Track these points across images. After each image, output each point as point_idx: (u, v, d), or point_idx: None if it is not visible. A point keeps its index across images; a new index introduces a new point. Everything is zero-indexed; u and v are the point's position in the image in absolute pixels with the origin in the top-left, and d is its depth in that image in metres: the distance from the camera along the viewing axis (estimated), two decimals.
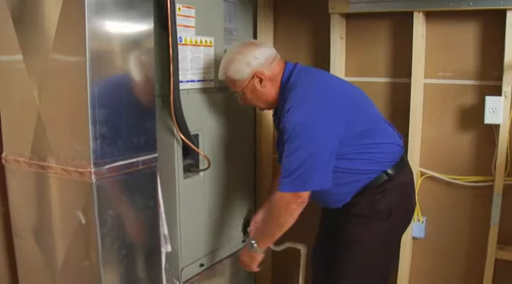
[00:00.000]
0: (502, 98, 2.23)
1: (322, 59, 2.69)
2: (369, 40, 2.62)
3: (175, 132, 2.11)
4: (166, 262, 2.13)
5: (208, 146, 2.33)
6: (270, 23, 2.82)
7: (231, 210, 2.56)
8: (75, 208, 1.83)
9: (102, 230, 1.80)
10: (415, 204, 2.19)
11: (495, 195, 2.32)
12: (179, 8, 2.07)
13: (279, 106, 2.07)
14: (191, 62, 2.17)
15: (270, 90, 2.09)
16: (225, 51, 2.32)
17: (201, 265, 2.36)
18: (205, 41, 2.24)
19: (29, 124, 1.89)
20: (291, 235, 2.57)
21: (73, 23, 1.70)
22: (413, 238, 2.58)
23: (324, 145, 1.90)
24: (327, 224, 2.33)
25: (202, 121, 2.27)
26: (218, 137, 2.38)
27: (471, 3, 2.22)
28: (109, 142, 1.79)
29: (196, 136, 2.24)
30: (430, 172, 2.50)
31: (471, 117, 2.41)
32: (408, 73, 2.44)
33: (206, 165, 2.27)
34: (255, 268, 2.20)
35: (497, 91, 2.28)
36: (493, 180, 2.34)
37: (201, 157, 2.28)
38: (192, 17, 2.16)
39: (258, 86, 2.07)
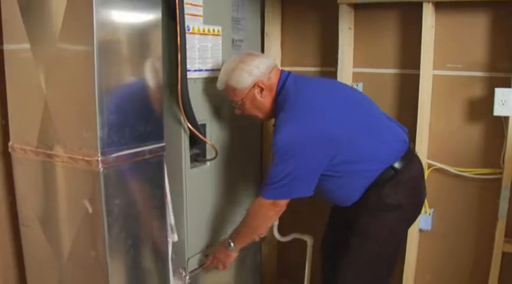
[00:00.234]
0: (511, 90, 2.21)
1: (330, 50, 2.68)
2: (377, 31, 2.61)
3: (182, 121, 2.10)
4: (172, 252, 2.12)
5: (215, 136, 2.32)
6: (277, 13, 2.81)
7: (237, 200, 2.55)
8: (82, 197, 1.82)
9: (109, 220, 1.80)
10: (425, 195, 2.17)
11: (503, 188, 2.30)
12: None
13: (275, 118, 2.08)
14: (199, 51, 2.16)
15: (268, 100, 2.10)
16: (233, 41, 2.31)
17: (207, 256, 2.35)
18: (213, 30, 2.23)
19: (36, 113, 1.88)
20: (298, 226, 2.58)
21: (80, 12, 1.69)
22: (420, 230, 2.57)
23: (308, 162, 1.93)
24: (337, 215, 2.34)
25: (210, 111, 2.26)
26: (225, 127, 2.37)
27: None
28: (116, 131, 1.78)
29: (204, 126, 2.23)
30: (438, 164, 2.49)
31: (480, 109, 2.39)
32: (417, 65, 2.42)
33: (213, 155, 2.26)
34: (227, 266, 2.29)
35: (506, 83, 2.25)
36: (502, 173, 2.32)
37: (207, 147, 2.28)
38: (200, 6, 2.14)
39: (258, 96, 2.08)
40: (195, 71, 2.15)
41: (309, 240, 2.61)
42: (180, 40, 1.98)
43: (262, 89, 2.07)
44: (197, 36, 2.14)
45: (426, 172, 2.47)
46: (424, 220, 2.52)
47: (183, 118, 2.09)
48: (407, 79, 2.54)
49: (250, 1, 2.56)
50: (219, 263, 2.28)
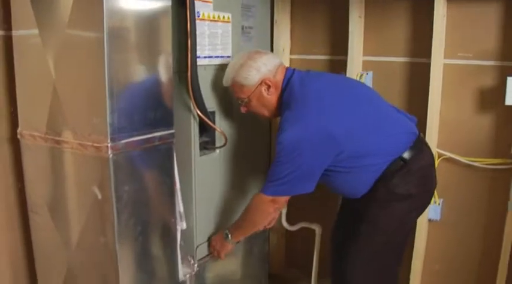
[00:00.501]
0: None
1: (339, 38, 2.66)
2: (388, 19, 2.58)
3: (192, 108, 2.10)
4: (181, 240, 2.12)
5: (224, 124, 2.32)
6: (287, 0, 2.79)
7: (246, 188, 2.54)
8: (91, 184, 1.81)
9: (118, 206, 1.79)
10: (435, 185, 2.16)
11: None
12: None
13: (280, 116, 2.07)
14: (209, 38, 2.15)
15: (274, 97, 2.10)
16: (242, 28, 2.29)
17: (208, 241, 2.36)
18: (223, 17, 2.21)
19: (45, 99, 1.87)
20: (306, 215, 2.57)
21: None
22: (429, 220, 2.55)
23: (312, 161, 1.95)
24: (347, 205, 2.34)
25: (219, 98, 2.25)
26: (234, 116, 2.36)
27: None
28: (126, 117, 1.77)
29: (213, 113, 2.22)
30: (448, 154, 2.47)
31: (491, 98, 2.36)
32: (427, 53, 2.40)
33: (222, 143, 2.25)
34: (223, 256, 2.33)
35: None
36: None
37: (217, 135, 2.27)
38: None
39: (265, 93, 2.08)
40: (205, 57, 2.14)
41: (317, 229, 2.60)
42: (190, 26, 1.96)
43: (269, 86, 2.07)
44: (207, 22, 2.13)
45: (436, 162, 2.45)
46: (433, 210, 2.51)
47: (192, 105, 2.08)
48: (417, 68, 2.52)
49: None
50: (214, 251, 2.32)
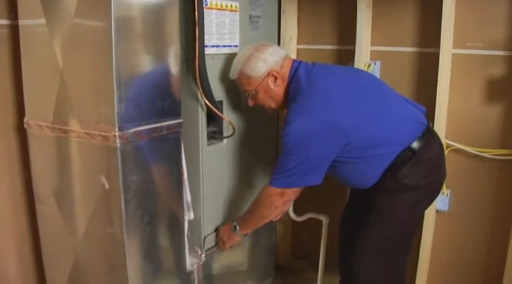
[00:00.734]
0: None
1: (347, 28, 2.64)
2: (396, 9, 2.56)
3: (199, 97, 2.09)
4: (188, 230, 2.11)
5: (231, 114, 2.30)
6: None
7: (253, 178, 2.54)
8: (99, 173, 1.81)
9: (126, 196, 1.79)
10: (445, 175, 2.14)
11: None
12: None
13: (287, 108, 2.06)
14: (216, 27, 2.13)
15: (281, 89, 2.09)
16: (250, 17, 2.28)
17: (216, 230, 2.36)
18: (231, 6, 2.20)
19: (52, 89, 1.86)
20: (313, 206, 2.56)
21: None
22: (437, 211, 2.54)
23: (319, 152, 1.94)
24: (356, 196, 2.33)
25: (227, 88, 2.23)
26: (242, 105, 2.34)
27: None
28: (134, 106, 1.76)
29: (220, 103, 2.21)
30: (456, 145, 2.45)
31: (500, 88, 2.34)
32: (436, 43, 2.38)
33: (230, 132, 2.24)
34: (227, 247, 2.33)
35: None
36: None
37: (224, 125, 2.26)
38: None
39: (272, 85, 2.08)
40: (213, 46, 2.13)
41: (324, 220, 2.59)
42: (198, 14, 1.95)
43: (276, 78, 2.07)
44: (215, 11, 2.12)
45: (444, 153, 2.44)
46: (441, 201, 2.49)
47: (200, 95, 2.06)
48: (426, 57, 2.50)
49: None
50: (220, 241, 2.32)
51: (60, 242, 2.06)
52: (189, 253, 2.14)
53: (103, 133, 1.74)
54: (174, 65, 1.91)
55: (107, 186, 1.80)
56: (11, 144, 2.17)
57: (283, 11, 2.73)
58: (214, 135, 2.25)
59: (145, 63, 1.82)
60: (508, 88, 2.26)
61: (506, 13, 2.30)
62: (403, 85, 2.55)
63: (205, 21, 2.01)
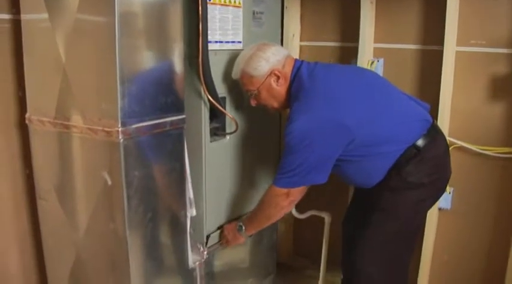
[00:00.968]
0: None
1: (351, 25, 2.63)
2: (399, 5, 2.56)
3: (202, 94, 2.07)
4: (190, 227, 2.10)
5: (234, 110, 2.29)
6: None
7: (256, 175, 2.53)
8: (101, 169, 1.80)
9: (128, 192, 1.77)
10: (450, 173, 2.13)
11: None
12: None
13: (290, 108, 2.06)
14: (219, 22, 2.12)
15: (283, 89, 2.09)
16: (253, 13, 2.27)
17: (221, 229, 2.35)
18: (234, 1, 2.19)
19: (54, 84, 1.85)
20: (315, 203, 2.55)
21: None
22: (440, 209, 2.53)
23: (322, 151, 1.93)
24: (360, 194, 2.32)
25: (230, 84, 2.22)
26: (245, 102, 2.33)
27: None
28: (137, 102, 1.75)
29: (223, 99, 2.20)
30: (460, 142, 2.44)
31: (504, 86, 2.34)
32: (439, 41, 2.38)
33: (233, 129, 2.23)
34: (230, 246, 2.34)
35: None
36: None
37: (227, 121, 2.25)
38: None
39: (274, 84, 2.07)
40: (216, 42, 2.12)
41: (326, 217, 2.58)
42: (202, 10, 1.94)
43: (278, 77, 2.06)
44: (218, 6, 2.10)
45: None
46: (444, 199, 2.48)
47: (203, 90, 2.06)
48: (429, 55, 2.50)
49: None
50: (224, 239, 2.32)
51: (61, 238, 2.05)
52: (191, 250, 2.12)
53: (106, 129, 1.73)
54: (177, 60, 1.90)
55: (109, 182, 1.78)
56: (12, 140, 2.16)
57: (286, 8, 2.72)
58: (217, 131, 2.23)
59: (148, 59, 1.81)
60: (511, 86, 2.25)
61: (510, 11, 2.29)
62: (406, 82, 2.54)
63: (208, 17, 2.00)
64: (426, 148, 1.96)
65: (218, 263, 2.40)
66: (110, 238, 1.88)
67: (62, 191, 1.98)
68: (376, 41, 2.61)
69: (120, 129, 1.70)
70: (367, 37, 2.55)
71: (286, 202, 2.03)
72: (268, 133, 2.61)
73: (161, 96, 1.85)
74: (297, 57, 2.88)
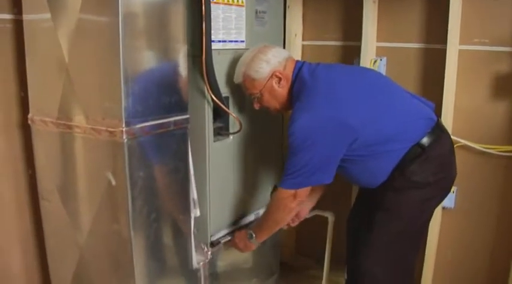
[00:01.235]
0: None
1: (353, 24, 2.63)
2: (402, 4, 2.55)
3: (206, 93, 2.07)
4: (194, 227, 2.09)
5: (237, 110, 2.29)
6: None
7: (259, 175, 2.53)
8: (105, 169, 1.79)
9: (132, 193, 1.77)
10: (455, 172, 2.12)
11: None
12: None
13: (292, 108, 2.05)
14: (223, 21, 2.11)
15: (285, 90, 2.09)
16: (256, 12, 2.26)
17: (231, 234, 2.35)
18: (237, 0, 2.18)
19: (57, 84, 1.84)
20: (318, 203, 2.55)
21: None
22: (443, 207, 2.52)
23: (326, 150, 1.92)
24: (364, 194, 2.31)
25: (232, 83, 2.20)
26: (247, 101, 2.32)
27: None
28: (141, 101, 1.74)
29: (227, 98, 2.19)
30: (463, 141, 2.43)
31: (507, 84, 2.33)
32: (442, 39, 2.37)
33: (236, 128, 2.23)
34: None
35: None
36: None
37: (231, 121, 2.24)
38: None
39: (276, 86, 2.07)
40: (219, 41, 2.11)
41: (330, 217, 2.58)
42: (205, 9, 1.93)
43: (280, 79, 2.06)
44: (221, 6, 2.10)
45: None
46: (447, 198, 2.43)
47: (207, 90, 2.05)
48: (432, 54, 2.49)
49: None
50: (237, 248, 2.32)
51: (64, 239, 2.04)
52: (195, 250, 2.12)
53: (110, 129, 1.72)
54: (181, 60, 1.89)
55: (113, 182, 1.77)
56: (14, 140, 2.15)
57: (288, 7, 2.72)
58: (221, 131, 2.23)
59: (152, 59, 1.81)
60: None
61: None
62: (409, 81, 2.53)
63: (212, 16, 1.99)
64: (431, 146, 1.95)
65: (222, 264, 2.39)
66: (113, 239, 1.87)
67: (65, 192, 1.98)
68: (378, 39, 2.61)
69: (124, 129, 1.69)
70: (369, 36, 2.55)
71: (294, 203, 2.03)
72: (271, 132, 2.60)
73: (165, 95, 1.84)
74: (299, 56, 2.89)
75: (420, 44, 2.53)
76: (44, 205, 2.09)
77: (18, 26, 2.02)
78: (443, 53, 2.37)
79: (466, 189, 2.50)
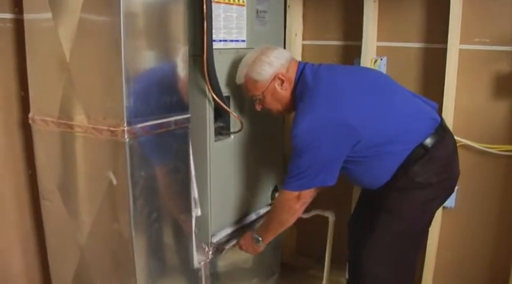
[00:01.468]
0: None
1: (353, 24, 2.63)
2: (402, 4, 2.55)
3: (207, 92, 2.06)
4: (195, 227, 2.09)
5: (238, 109, 2.28)
6: None
7: (260, 175, 2.53)
8: (106, 169, 1.78)
9: (134, 192, 1.76)
10: (458, 173, 2.11)
11: None
12: None
13: (295, 110, 2.05)
14: (224, 21, 2.11)
15: (288, 92, 2.08)
16: (257, 11, 2.26)
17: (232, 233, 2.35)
18: (238, 0, 2.18)
19: (58, 84, 1.84)
20: (319, 203, 2.55)
21: None
22: (444, 207, 2.52)
23: (329, 152, 1.92)
24: (367, 194, 2.31)
25: (233, 83, 2.20)
26: (249, 100, 2.31)
27: None
28: (142, 101, 1.74)
29: (228, 98, 2.19)
30: (464, 141, 2.44)
31: (508, 84, 2.33)
32: (443, 39, 2.37)
33: (237, 128, 2.22)
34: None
35: None
36: None
37: (231, 121, 2.24)
38: None
39: (279, 88, 2.07)
40: (220, 41, 2.11)
41: (330, 216, 2.58)
42: (206, 9, 1.92)
43: (282, 81, 2.05)
44: (222, 5, 2.10)
45: None
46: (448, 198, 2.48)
47: (208, 89, 2.04)
48: (432, 53, 2.49)
49: None
50: (244, 250, 2.32)
51: (65, 239, 2.04)
52: (196, 250, 2.11)
53: (111, 128, 1.72)
54: (182, 59, 1.89)
55: (114, 182, 1.77)
56: (15, 140, 2.15)
57: (288, 7, 2.71)
58: (222, 130, 2.23)
59: (153, 58, 1.80)
60: None
61: None
62: (409, 81, 2.53)
63: (213, 16, 1.98)
64: (434, 147, 1.95)
65: (223, 264, 2.39)
66: (114, 239, 1.86)
67: (65, 191, 1.97)
68: (379, 39, 2.61)
69: (125, 128, 1.69)
70: (370, 35, 2.55)
71: (298, 205, 2.02)
72: (272, 131, 2.60)
73: (166, 95, 1.84)
74: (300, 56, 2.89)
75: (421, 44, 2.53)
76: (44, 204, 2.09)
77: (19, 25, 2.02)
78: (443, 52, 2.37)
79: (466, 189, 2.49)
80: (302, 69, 2.07)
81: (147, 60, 1.78)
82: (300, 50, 2.88)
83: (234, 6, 2.17)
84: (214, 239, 2.26)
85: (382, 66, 2.56)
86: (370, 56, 2.57)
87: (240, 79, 2.11)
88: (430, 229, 2.45)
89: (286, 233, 3.01)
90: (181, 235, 2.04)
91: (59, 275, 2.14)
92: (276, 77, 2.04)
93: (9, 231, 2.19)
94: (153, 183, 1.85)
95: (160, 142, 1.85)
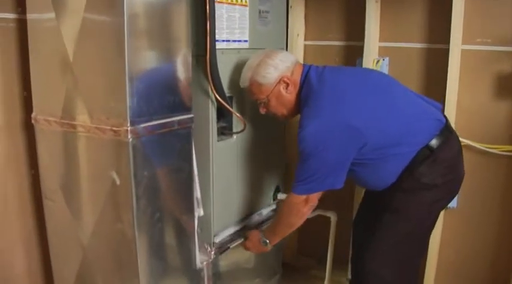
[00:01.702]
0: None
1: (356, 24, 2.63)
2: (404, 4, 2.55)
3: (210, 93, 2.06)
4: (198, 227, 2.09)
5: (241, 109, 2.28)
6: None
7: (263, 175, 2.53)
8: (109, 169, 1.78)
9: (137, 192, 1.76)
10: (463, 174, 2.11)
11: None
12: None
13: (300, 113, 2.04)
14: (227, 21, 2.11)
15: (293, 96, 2.08)
16: (259, 12, 2.26)
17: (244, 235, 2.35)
18: (241, 0, 2.18)
19: (61, 84, 1.84)
20: (321, 203, 2.55)
21: None
22: (446, 207, 2.51)
23: (336, 155, 1.92)
24: (371, 195, 2.30)
25: (236, 83, 2.20)
26: (251, 100, 2.32)
27: None
28: (145, 101, 1.74)
29: (230, 98, 2.19)
30: (466, 141, 2.43)
31: (509, 84, 2.33)
32: (445, 39, 2.37)
33: (240, 128, 2.23)
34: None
35: None
36: None
37: (234, 121, 2.24)
38: None
39: (284, 91, 2.06)
40: (223, 41, 2.11)
41: (332, 216, 2.58)
42: (209, 9, 1.93)
43: (287, 85, 2.05)
44: (225, 5, 2.10)
45: None
46: None
47: (210, 90, 2.04)
48: (435, 53, 2.50)
49: None
50: (251, 251, 2.33)
51: (68, 239, 2.04)
52: (199, 250, 2.11)
53: (114, 128, 1.72)
54: (185, 60, 1.89)
55: (117, 182, 1.77)
56: (18, 140, 2.15)
57: (290, 7, 2.71)
58: (224, 130, 2.23)
59: (156, 58, 1.81)
60: None
61: None
62: (411, 81, 2.53)
63: (216, 16, 1.98)
64: (440, 148, 1.95)
65: (225, 264, 2.39)
66: (117, 239, 1.86)
67: (68, 191, 1.97)
68: (381, 39, 2.61)
69: (129, 128, 1.69)
70: (372, 36, 2.55)
71: (306, 208, 2.03)
72: (274, 132, 2.60)
73: (169, 95, 1.84)
74: (302, 56, 2.89)
75: (423, 44, 2.53)
76: (47, 204, 2.09)
77: (22, 25, 2.02)
78: (445, 52, 2.37)
79: (468, 189, 2.48)
80: (307, 72, 2.06)
81: (150, 60, 1.78)
82: (302, 50, 2.88)
83: (237, 7, 2.17)
84: (217, 239, 2.26)
85: (384, 67, 2.56)
86: (372, 56, 2.57)
87: (244, 82, 2.10)
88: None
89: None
90: (184, 235, 2.04)
91: (61, 275, 2.14)
92: (281, 80, 2.04)
93: (12, 231, 2.19)
94: (156, 182, 1.85)
95: (163, 142, 1.85)
